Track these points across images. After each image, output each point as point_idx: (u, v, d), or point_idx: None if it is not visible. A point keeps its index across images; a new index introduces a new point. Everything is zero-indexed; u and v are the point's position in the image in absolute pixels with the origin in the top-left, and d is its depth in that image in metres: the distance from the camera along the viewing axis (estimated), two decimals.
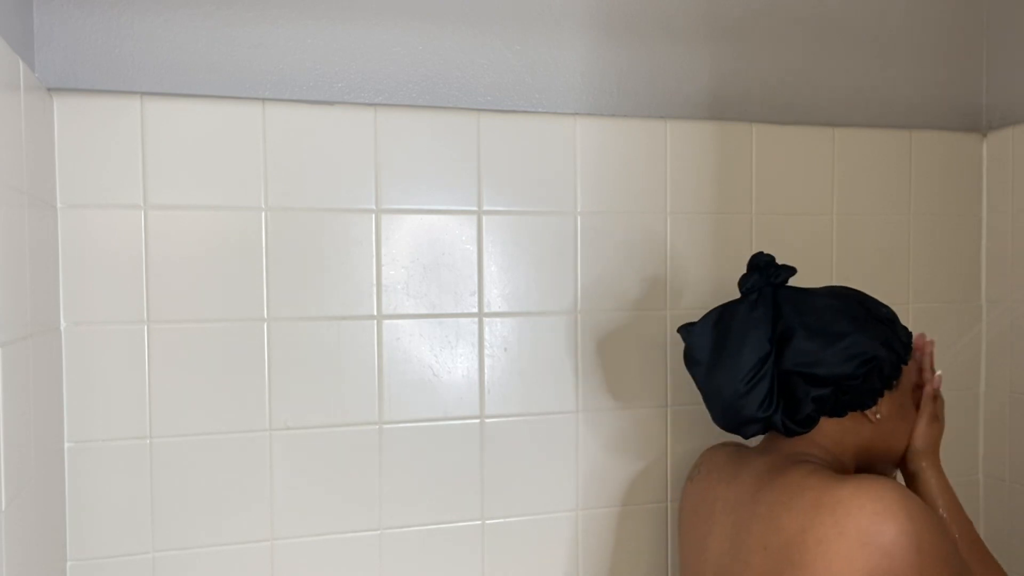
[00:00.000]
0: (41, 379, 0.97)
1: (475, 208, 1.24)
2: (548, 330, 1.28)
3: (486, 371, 1.25)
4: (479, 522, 1.26)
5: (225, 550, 1.15)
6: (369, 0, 1.22)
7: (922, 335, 1.12)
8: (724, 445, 1.18)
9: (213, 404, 1.14)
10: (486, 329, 1.25)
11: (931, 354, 1.10)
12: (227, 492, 1.15)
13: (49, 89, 1.08)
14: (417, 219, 1.22)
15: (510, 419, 1.27)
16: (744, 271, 1.10)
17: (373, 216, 1.20)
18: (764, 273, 1.05)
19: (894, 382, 1.03)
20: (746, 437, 1.05)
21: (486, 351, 1.25)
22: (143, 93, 1.12)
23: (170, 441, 1.13)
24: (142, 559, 1.12)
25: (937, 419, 1.10)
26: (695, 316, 1.33)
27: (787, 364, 0.99)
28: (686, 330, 1.08)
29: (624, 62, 1.32)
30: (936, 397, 1.11)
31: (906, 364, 1.04)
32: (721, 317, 1.05)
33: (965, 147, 1.48)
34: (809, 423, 1.00)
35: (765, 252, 1.08)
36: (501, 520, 1.27)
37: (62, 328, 1.09)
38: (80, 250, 1.09)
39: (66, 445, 1.10)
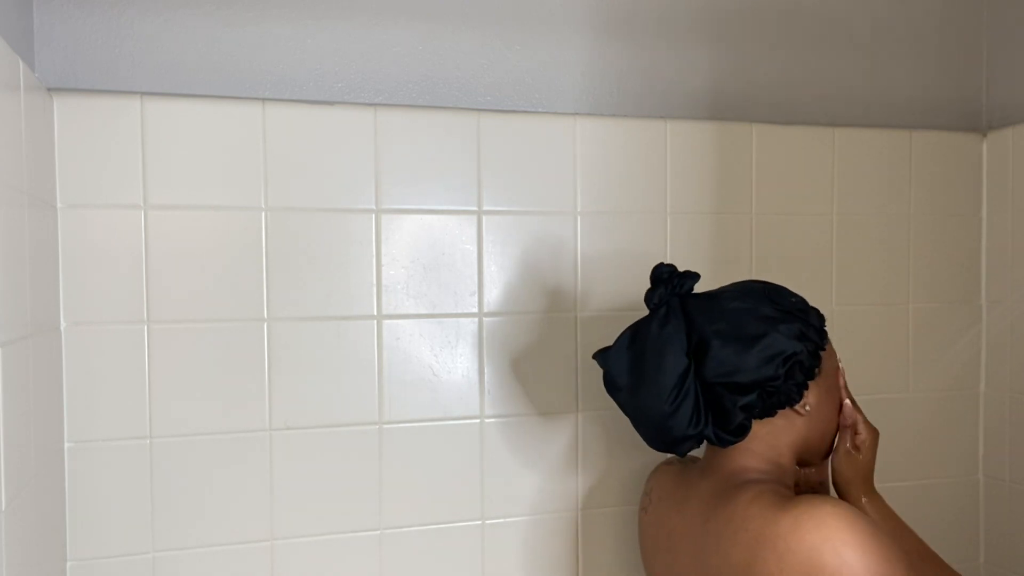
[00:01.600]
0: (41, 379, 0.97)
1: (475, 208, 1.24)
2: (548, 330, 1.28)
3: (486, 371, 1.25)
4: (479, 522, 1.26)
5: (225, 550, 1.15)
6: (369, 0, 1.22)
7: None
8: (669, 464, 1.16)
9: (213, 404, 1.14)
10: (486, 329, 1.25)
11: (844, 384, 1.07)
12: (227, 492, 1.15)
13: (49, 89, 1.08)
14: (417, 219, 1.22)
15: (510, 419, 1.27)
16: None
17: (373, 216, 1.20)
18: (668, 285, 1.01)
19: (816, 371, 1.00)
20: (681, 454, 1.02)
21: (486, 351, 1.25)
22: (143, 93, 1.12)
23: (170, 441, 1.13)
24: (142, 559, 1.12)
25: (854, 451, 1.07)
26: None
27: (708, 376, 0.97)
28: (602, 356, 1.04)
29: (624, 62, 1.32)
30: (855, 428, 1.07)
31: (824, 350, 1.02)
32: (635, 337, 1.01)
33: (965, 147, 1.48)
34: (742, 431, 0.97)
35: (666, 263, 1.04)
36: (501, 520, 1.27)
37: (62, 328, 1.09)
38: (80, 250, 1.09)
39: (66, 445, 1.10)
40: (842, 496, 1.09)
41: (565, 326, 1.28)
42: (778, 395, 0.98)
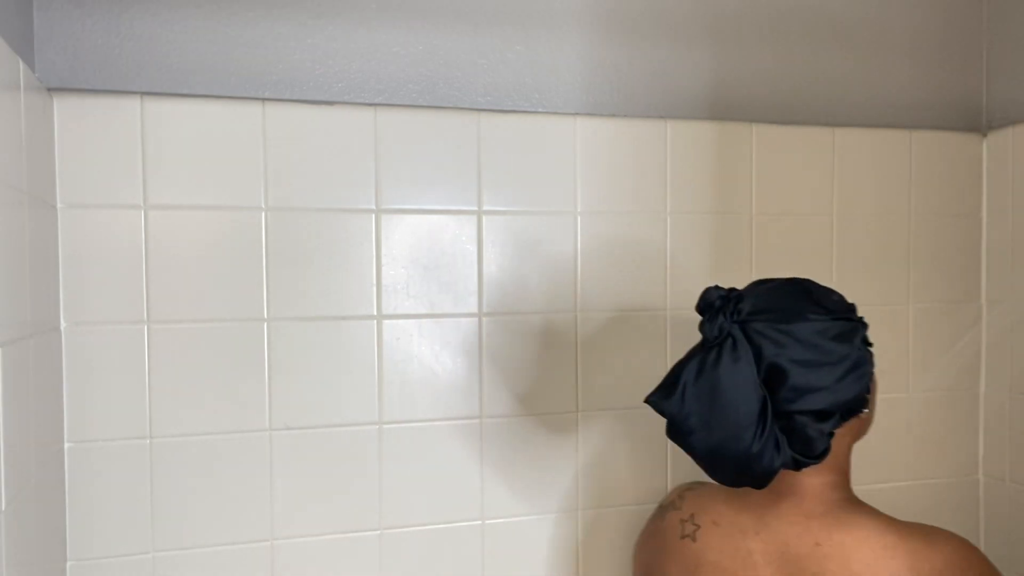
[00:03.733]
0: (41, 379, 0.97)
1: (475, 208, 1.24)
2: (548, 330, 1.28)
3: (486, 371, 1.25)
4: (479, 522, 1.26)
5: (225, 550, 1.15)
6: (369, 0, 1.22)
7: None
8: (702, 487, 1.13)
9: (213, 404, 1.14)
10: (486, 329, 1.25)
11: None
12: (227, 492, 1.15)
13: (49, 89, 1.08)
14: (417, 219, 1.22)
15: (510, 419, 1.27)
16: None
17: (373, 216, 1.20)
18: (724, 312, 0.96)
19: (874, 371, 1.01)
20: (762, 488, 0.97)
21: (486, 351, 1.25)
22: (143, 93, 1.12)
23: (170, 441, 1.13)
24: (142, 559, 1.12)
25: None
26: (694, 316, 1.33)
27: (787, 406, 0.93)
28: (663, 400, 0.97)
29: (624, 62, 1.32)
30: None
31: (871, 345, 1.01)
32: (700, 372, 0.95)
33: (965, 147, 1.48)
34: (826, 454, 0.96)
35: (714, 286, 1.00)
36: (501, 520, 1.27)
37: (62, 328, 1.09)
38: (80, 250, 1.09)
39: (66, 445, 1.10)
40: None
41: (565, 326, 1.28)
42: (855, 408, 0.98)
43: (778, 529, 1.00)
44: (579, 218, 1.28)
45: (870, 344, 1.00)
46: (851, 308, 1.01)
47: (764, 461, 0.92)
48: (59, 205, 1.08)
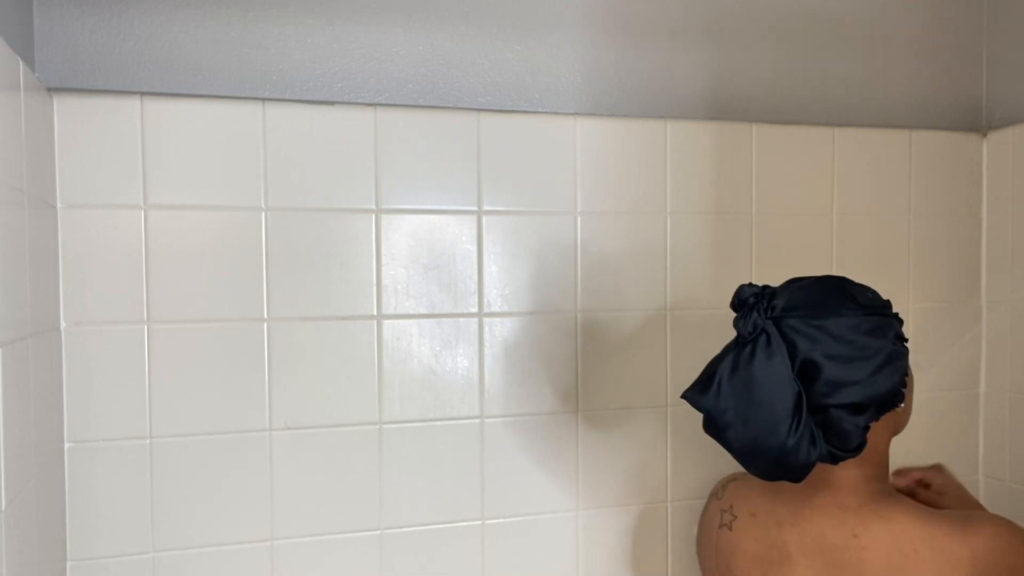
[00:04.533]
0: (41, 379, 0.97)
1: (475, 208, 1.24)
2: (548, 330, 1.28)
3: (486, 371, 1.25)
4: (479, 522, 1.26)
5: (225, 550, 1.15)
6: (369, 0, 1.22)
7: None
8: (744, 479, 1.14)
9: (213, 404, 1.14)
10: (486, 329, 1.25)
11: None
12: (227, 492, 1.15)
13: (49, 89, 1.08)
14: (417, 219, 1.22)
15: (510, 419, 1.27)
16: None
17: (373, 216, 1.20)
18: (759, 309, 0.97)
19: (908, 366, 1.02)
20: (799, 481, 0.98)
21: (486, 351, 1.25)
22: (143, 93, 1.12)
23: (170, 441, 1.13)
24: (142, 559, 1.12)
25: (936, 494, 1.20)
26: (694, 315, 1.34)
27: (822, 400, 0.94)
28: (699, 396, 0.99)
29: (624, 62, 1.32)
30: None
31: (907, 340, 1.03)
32: (735, 368, 0.96)
33: (965, 147, 1.48)
34: (862, 447, 0.97)
35: (748, 283, 1.01)
36: (501, 520, 1.27)
37: (62, 328, 1.09)
38: (80, 250, 1.09)
39: (66, 445, 1.10)
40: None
41: (565, 326, 1.28)
42: (889, 402, 0.98)
43: (814, 521, 1.01)
44: (579, 218, 1.28)
45: (905, 340, 1.01)
46: (886, 304, 1.03)
47: (800, 455, 0.94)
48: (59, 205, 1.08)
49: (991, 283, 1.48)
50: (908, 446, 1.45)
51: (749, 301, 0.98)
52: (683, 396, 1.02)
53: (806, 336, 0.95)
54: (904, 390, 1.01)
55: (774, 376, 0.94)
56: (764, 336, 0.96)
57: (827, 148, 1.40)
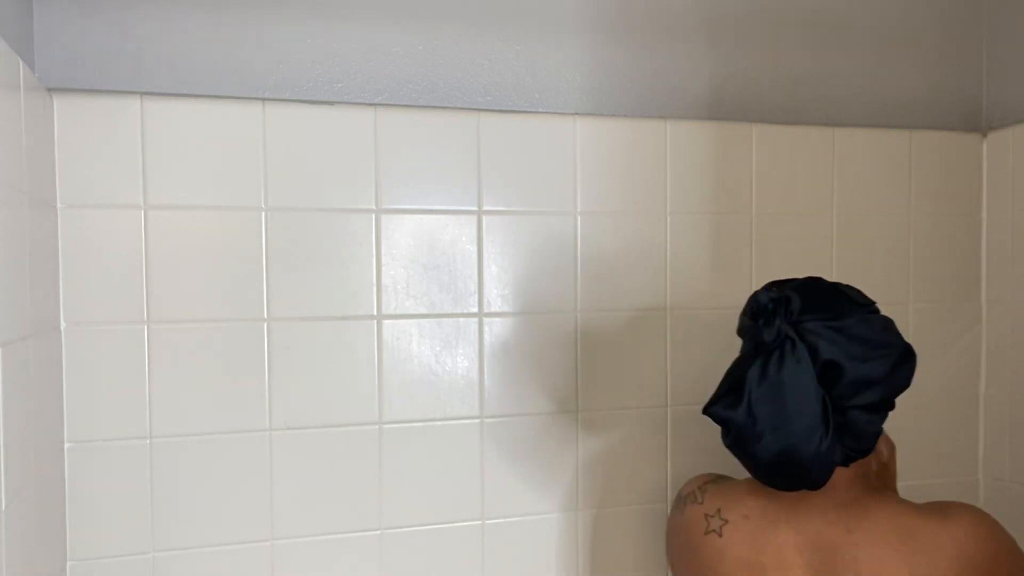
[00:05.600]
0: (41, 379, 0.97)
1: (475, 208, 1.24)
2: (548, 330, 1.28)
3: (486, 371, 1.25)
4: (479, 522, 1.26)
5: (225, 550, 1.15)
6: (369, 0, 1.22)
7: None
8: (726, 482, 1.12)
9: (213, 404, 1.14)
10: (486, 329, 1.25)
11: None
12: (227, 492, 1.15)
13: (49, 89, 1.08)
14: (417, 219, 1.22)
15: (510, 419, 1.27)
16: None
17: (373, 216, 1.20)
18: (779, 315, 0.96)
19: None
20: (818, 488, 0.97)
21: (486, 351, 1.25)
22: (143, 93, 1.12)
23: (170, 441, 1.13)
24: (142, 559, 1.12)
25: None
26: (695, 316, 1.34)
27: (844, 402, 0.95)
28: (728, 410, 0.97)
29: (624, 62, 1.32)
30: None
31: None
32: (764, 377, 0.95)
33: (965, 147, 1.48)
34: (872, 447, 0.98)
35: (762, 288, 1.00)
36: (501, 520, 1.27)
37: (62, 328, 1.09)
38: (80, 250, 1.09)
39: (66, 445, 1.10)
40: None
41: (565, 326, 1.28)
42: (894, 402, 0.99)
43: (810, 518, 1.01)
44: (579, 218, 1.28)
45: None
46: (873, 302, 1.04)
47: (829, 460, 0.94)
48: (59, 205, 1.08)
49: (991, 283, 1.48)
50: (908, 446, 1.45)
51: (769, 307, 0.96)
52: (706, 412, 0.99)
53: (826, 339, 0.95)
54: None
55: (803, 382, 0.93)
56: (789, 342, 0.95)
57: (827, 148, 1.40)
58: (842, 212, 1.41)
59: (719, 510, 1.07)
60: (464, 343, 1.24)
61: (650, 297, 1.32)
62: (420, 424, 1.23)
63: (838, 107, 1.43)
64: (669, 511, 1.21)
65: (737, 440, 0.97)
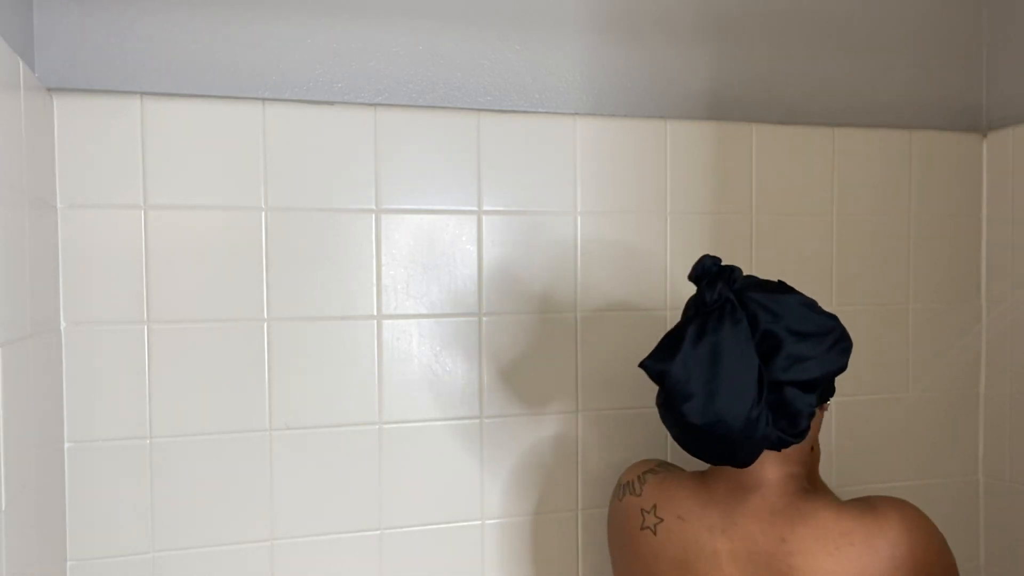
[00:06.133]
0: (41, 379, 0.97)
1: (475, 208, 1.24)
2: (548, 330, 1.28)
3: (486, 371, 1.25)
4: (479, 522, 1.26)
5: (225, 550, 1.15)
6: (369, 0, 1.22)
7: None
8: (666, 474, 1.09)
9: (213, 404, 1.14)
10: (486, 329, 1.25)
11: None
12: (227, 492, 1.15)
13: (49, 89, 1.08)
14: (417, 219, 1.22)
15: (510, 419, 1.27)
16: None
17: (373, 216, 1.20)
18: (722, 279, 0.97)
19: None
20: (746, 466, 0.97)
21: (486, 351, 1.25)
22: (143, 93, 1.12)
23: (170, 441, 1.13)
24: (142, 559, 1.12)
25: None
26: None
27: (780, 375, 0.93)
28: (662, 362, 0.95)
29: (624, 62, 1.32)
30: None
31: None
32: (702, 335, 0.94)
33: (965, 147, 1.48)
34: (804, 433, 0.96)
35: (707, 255, 1.00)
36: (501, 520, 1.27)
37: (62, 328, 1.09)
38: (80, 250, 1.09)
39: (66, 445, 1.10)
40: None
41: (565, 326, 1.28)
42: (827, 392, 0.99)
43: (746, 527, 0.99)
44: (579, 218, 1.29)
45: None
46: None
47: (759, 429, 0.93)
48: (59, 205, 1.08)
49: (991, 283, 1.48)
50: (908, 446, 1.45)
51: (713, 270, 0.98)
52: (642, 365, 0.98)
53: (767, 310, 0.95)
54: (833, 386, 1.02)
55: (740, 346, 0.93)
56: (730, 305, 0.95)
57: (827, 148, 1.40)
58: (842, 212, 1.41)
59: (655, 506, 1.05)
60: (464, 343, 1.24)
61: (650, 297, 1.32)
62: (420, 424, 1.23)
63: (838, 107, 1.43)
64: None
65: (667, 400, 0.96)
